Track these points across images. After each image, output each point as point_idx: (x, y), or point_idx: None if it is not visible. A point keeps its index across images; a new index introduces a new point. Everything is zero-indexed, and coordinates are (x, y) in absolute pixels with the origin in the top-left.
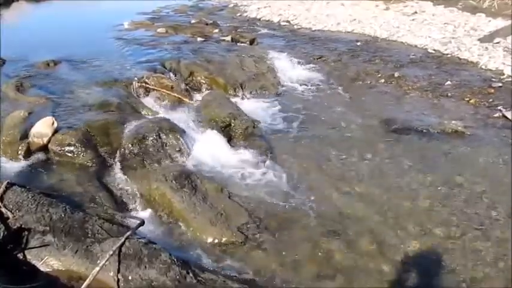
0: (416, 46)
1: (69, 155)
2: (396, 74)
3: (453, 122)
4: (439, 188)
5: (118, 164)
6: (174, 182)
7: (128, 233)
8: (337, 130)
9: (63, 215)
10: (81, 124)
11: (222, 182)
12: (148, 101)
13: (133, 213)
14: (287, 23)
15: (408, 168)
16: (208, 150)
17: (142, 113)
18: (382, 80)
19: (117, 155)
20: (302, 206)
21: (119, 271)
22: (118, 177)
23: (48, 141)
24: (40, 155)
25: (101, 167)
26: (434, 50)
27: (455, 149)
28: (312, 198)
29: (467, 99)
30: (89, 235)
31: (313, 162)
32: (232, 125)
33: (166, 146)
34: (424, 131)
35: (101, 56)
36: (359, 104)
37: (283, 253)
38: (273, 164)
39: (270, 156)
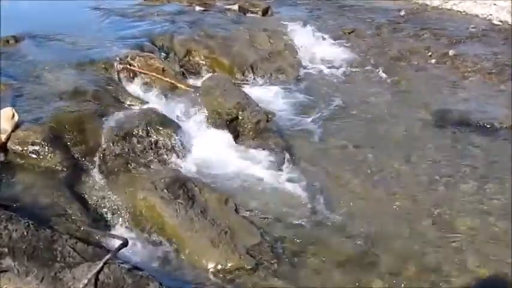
0: (477, 16)
1: (34, 156)
2: (451, 53)
3: None
4: None
5: (95, 167)
6: (165, 191)
7: (107, 257)
8: (374, 125)
9: (25, 233)
10: (49, 117)
11: (226, 191)
12: (134, 87)
13: (114, 231)
14: None
15: (467, 176)
16: (210, 150)
17: (126, 102)
18: (433, 60)
19: (94, 156)
20: (329, 224)
21: None
22: (95, 184)
23: (7, 139)
24: None
25: (73, 172)
26: (500, 21)
27: None
28: (342, 213)
29: None
30: (58, 259)
31: (343, 167)
32: (240, 118)
33: (156, 145)
34: (488, 126)
35: (74, 31)
36: (403, 92)
37: (304, 285)
38: (291, 168)
39: (288, 159)
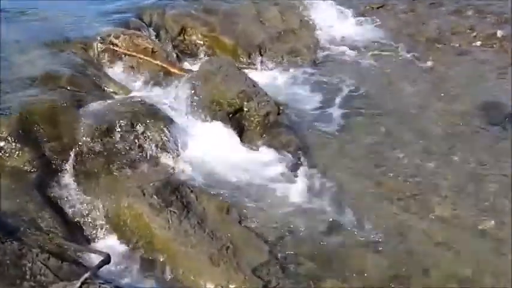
0: None
1: None
2: (499, 33)
3: None
4: None
5: (71, 168)
6: (155, 197)
7: (86, 275)
8: (407, 120)
9: None
10: (16, 108)
11: (228, 198)
12: (117, 72)
13: (93, 245)
14: None
15: None
16: (208, 148)
17: (108, 90)
18: (478, 42)
19: (70, 155)
20: (352, 240)
21: None
22: (71, 188)
23: None
24: None
25: (45, 173)
26: None
27: None
28: (367, 227)
29: None
30: (27, 276)
31: (369, 170)
32: (246, 110)
33: (144, 141)
34: None
35: (47, 4)
36: (442, 80)
37: None
38: (307, 172)
39: (303, 160)
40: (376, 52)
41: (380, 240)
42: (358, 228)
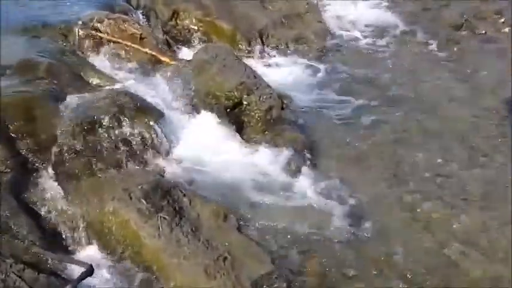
0: None
1: None
2: None
3: None
4: None
5: (49, 169)
6: (143, 201)
7: None
8: (424, 116)
9: None
10: None
11: (226, 203)
12: (101, 60)
13: (74, 255)
14: None
15: None
16: (203, 147)
17: (91, 81)
18: (506, 29)
19: (48, 153)
20: (365, 250)
21: None
22: (49, 191)
23: None
24: None
25: (20, 174)
26: None
27: None
28: (382, 235)
29: None
30: None
31: (383, 172)
32: (245, 103)
33: (131, 139)
34: None
35: None
36: (465, 70)
37: None
38: (314, 172)
39: (310, 160)
40: (391, 39)
41: (392, 247)
42: (372, 238)
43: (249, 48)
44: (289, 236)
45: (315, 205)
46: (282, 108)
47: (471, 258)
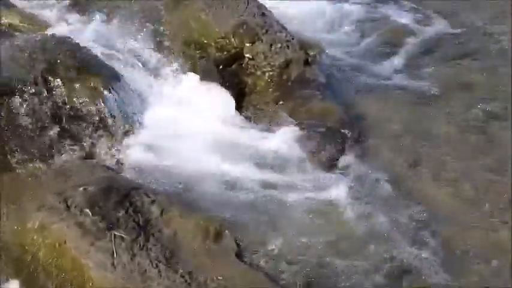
0: None
1: None
2: None
3: None
4: None
5: None
6: (88, 211)
7: None
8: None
9: None
10: None
11: (218, 213)
12: None
13: None
14: None
15: None
16: (183, 124)
17: (6, 23)
18: None
19: None
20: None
21: None
22: None
23: None
24: None
25: None
26: None
27: None
28: (448, 266)
29: None
30: None
31: (451, 164)
32: (248, 56)
33: (68, 114)
34: None
35: None
36: None
37: None
38: (354, 163)
39: (350, 143)
40: None
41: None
42: (430, 269)
43: None
44: (314, 264)
45: (352, 215)
46: (307, 64)
47: None
